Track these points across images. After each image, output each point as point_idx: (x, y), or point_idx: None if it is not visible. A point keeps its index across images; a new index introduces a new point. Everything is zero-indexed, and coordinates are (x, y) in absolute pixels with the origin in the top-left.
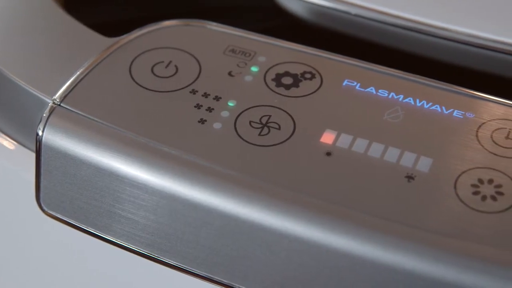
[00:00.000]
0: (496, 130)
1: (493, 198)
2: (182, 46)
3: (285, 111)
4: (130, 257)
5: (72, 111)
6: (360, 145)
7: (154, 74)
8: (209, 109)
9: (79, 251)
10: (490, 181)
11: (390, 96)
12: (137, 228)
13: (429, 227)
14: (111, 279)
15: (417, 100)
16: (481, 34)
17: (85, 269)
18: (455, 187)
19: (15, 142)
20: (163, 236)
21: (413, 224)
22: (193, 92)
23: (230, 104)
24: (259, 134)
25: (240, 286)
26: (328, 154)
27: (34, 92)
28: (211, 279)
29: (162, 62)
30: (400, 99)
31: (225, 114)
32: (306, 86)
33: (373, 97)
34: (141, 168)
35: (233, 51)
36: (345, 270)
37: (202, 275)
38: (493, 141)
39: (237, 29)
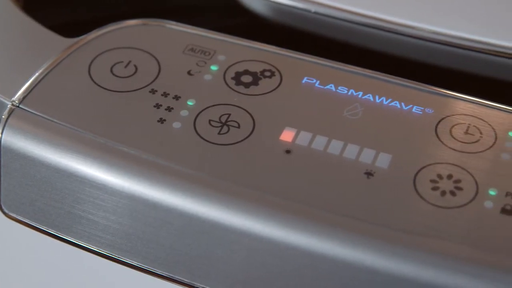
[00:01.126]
0: (455, 125)
1: (452, 193)
2: (141, 45)
3: (244, 110)
4: (91, 258)
5: (31, 112)
6: (319, 142)
7: (114, 74)
8: (169, 109)
9: (40, 252)
10: (449, 177)
11: (349, 93)
12: (98, 228)
13: (388, 223)
14: (73, 281)
15: (377, 97)
16: (440, 30)
17: (46, 271)
18: (414, 183)
19: None
20: (124, 236)
21: (373, 220)
22: (153, 91)
23: (190, 103)
24: (219, 133)
25: (202, 285)
26: (288, 152)
27: None
28: (172, 279)
29: (122, 62)
30: (360, 96)
31: (184, 113)
32: (265, 84)
33: (333, 94)
34: (100, 168)
35: (192, 50)
36: (305, 268)
37: (163, 275)
38: (452, 136)
39: (196, 28)
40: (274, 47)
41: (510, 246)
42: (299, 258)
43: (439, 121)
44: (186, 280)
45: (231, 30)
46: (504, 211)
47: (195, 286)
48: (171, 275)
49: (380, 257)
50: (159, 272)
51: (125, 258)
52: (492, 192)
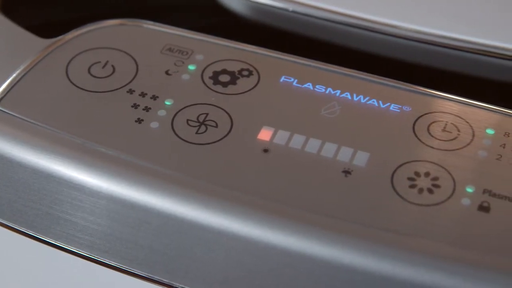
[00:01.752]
0: (433, 123)
1: (430, 191)
2: (119, 46)
3: (222, 109)
4: (69, 259)
5: (9, 113)
6: (297, 141)
7: (91, 75)
8: (146, 109)
9: (18, 254)
10: (427, 174)
11: (327, 92)
12: (76, 229)
13: (366, 221)
14: (52, 281)
15: (354, 95)
16: (417, 28)
17: (25, 272)
18: (392, 181)
19: None
20: (102, 237)
21: (351, 219)
22: (130, 91)
23: (167, 103)
24: (196, 133)
25: (181, 285)
26: (266, 151)
27: None
28: (151, 279)
29: (99, 62)
30: (337, 94)
31: (162, 113)
32: (243, 83)
33: (310, 93)
34: (78, 169)
35: (170, 50)
36: (284, 267)
37: (142, 275)
38: (430, 134)
39: (174, 27)
40: (252, 46)
41: (488, 243)
42: (278, 257)
43: (417, 119)
44: (165, 280)
45: (209, 29)
46: (481, 208)
47: (174, 286)
48: (150, 275)
49: (358, 256)
50: (138, 272)
51: (104, 259)
52: (469, 190)
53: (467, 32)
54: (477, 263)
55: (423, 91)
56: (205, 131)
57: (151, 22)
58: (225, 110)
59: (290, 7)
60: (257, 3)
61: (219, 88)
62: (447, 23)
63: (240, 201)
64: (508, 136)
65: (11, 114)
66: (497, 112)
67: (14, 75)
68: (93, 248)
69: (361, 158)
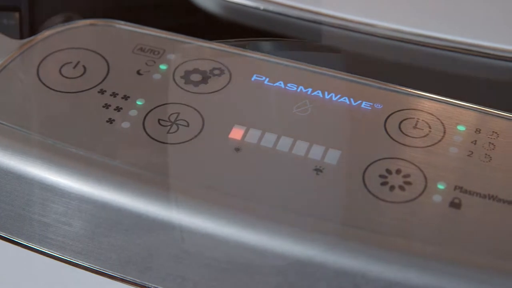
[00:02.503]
0: (404, 120)
1: (401, 188)
2: (90, 46)
3: (194, 108)
4: (42, 260)
5: None
6: (268, 139)
7: (62, 75)
8: (118, 109)
9: None
10: (398, 171)
11: (298, 90)
12: (49, 230)
13: (338, 218)
14: (24, 283)
15: (326, 93)
16: (386, 25)
17: None
18: (363, 178)
19: None
20: (75, 237)
21: (322, 216)
22: (101, 92)
23: (139, 103)
24: (168, 132)
25: (154, 285)
26: (237, 149)
27: None
28: (124, 279)
29: (70, 62)
30: (309, 93)
31: (133, 113)
32: (215, 82)
33: (282, 91)
34: (49, 170)
35: (141, 49)
36: (254, 264)
37: (115, 275)
38: (401, 131)
39: (146, 27)
40: (223, 45)
41: (459, 240)
42: (249, 255)
43: (388, 117)
44: (138, 281)
45: (180, 28)
46: (452, 204)
47: (147, 286)
48: (123, 276)
49: (330, 253)
50: (111, 273)
51: (77, 260)
52: (440, 186)
53: (436, 28)
54: (449, 259)
55: (394, 89)
56: (177, 130)
57: (123, 22)
58: (196, 110)
59: (262, 5)
60: (229, 2)
61: (190, 87)
62: (415, 19)
63: (212, 200)
64: (479, 133)
65: None
66: (468, 108)
67: None
68: (66, 249)
69: (333, 156)
